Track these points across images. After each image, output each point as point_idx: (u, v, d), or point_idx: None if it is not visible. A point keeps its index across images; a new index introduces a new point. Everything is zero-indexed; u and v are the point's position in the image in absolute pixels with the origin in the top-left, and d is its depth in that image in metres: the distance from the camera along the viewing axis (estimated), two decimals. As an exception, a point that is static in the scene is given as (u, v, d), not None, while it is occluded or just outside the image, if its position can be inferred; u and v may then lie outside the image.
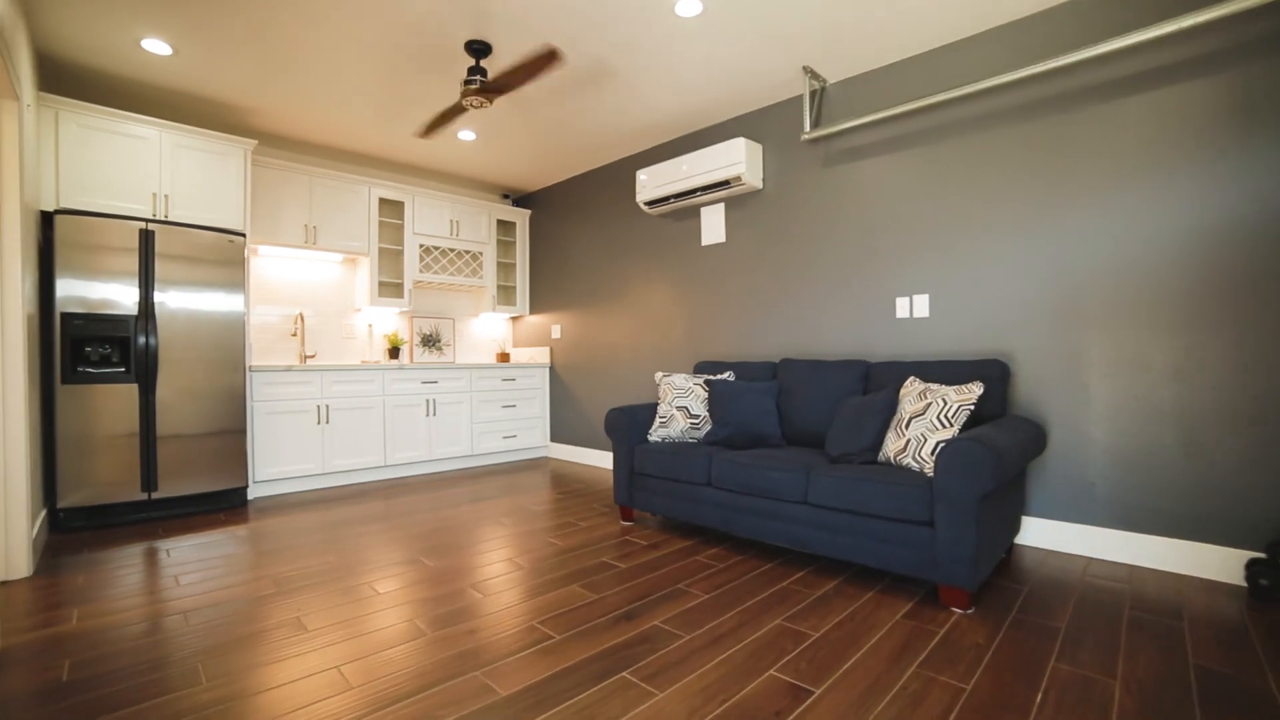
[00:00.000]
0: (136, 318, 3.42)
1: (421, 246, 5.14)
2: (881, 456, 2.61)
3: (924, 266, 3.20)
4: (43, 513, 3.17)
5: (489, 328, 6.02)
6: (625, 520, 3.43)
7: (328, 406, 4.30)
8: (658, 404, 3.56)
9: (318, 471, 4.26)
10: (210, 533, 3.21)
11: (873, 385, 3.06)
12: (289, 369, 4.11)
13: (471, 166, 5.23)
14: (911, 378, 2.75)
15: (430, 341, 5.55)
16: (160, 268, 3.50)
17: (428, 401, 4.83)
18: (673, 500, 3.12)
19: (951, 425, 2.37)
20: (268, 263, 4.62)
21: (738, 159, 3.84)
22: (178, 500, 3.58)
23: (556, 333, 5.64)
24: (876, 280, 3.39)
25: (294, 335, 4.54)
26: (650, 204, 4.42)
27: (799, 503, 2.59)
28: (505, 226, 5.84)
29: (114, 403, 3.36)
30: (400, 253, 5.07)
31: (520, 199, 6.15)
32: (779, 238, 3.89)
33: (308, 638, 1.99)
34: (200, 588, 2.44)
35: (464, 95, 3.18)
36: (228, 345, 3.72)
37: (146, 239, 3.46)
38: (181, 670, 1.78)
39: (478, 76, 3.21)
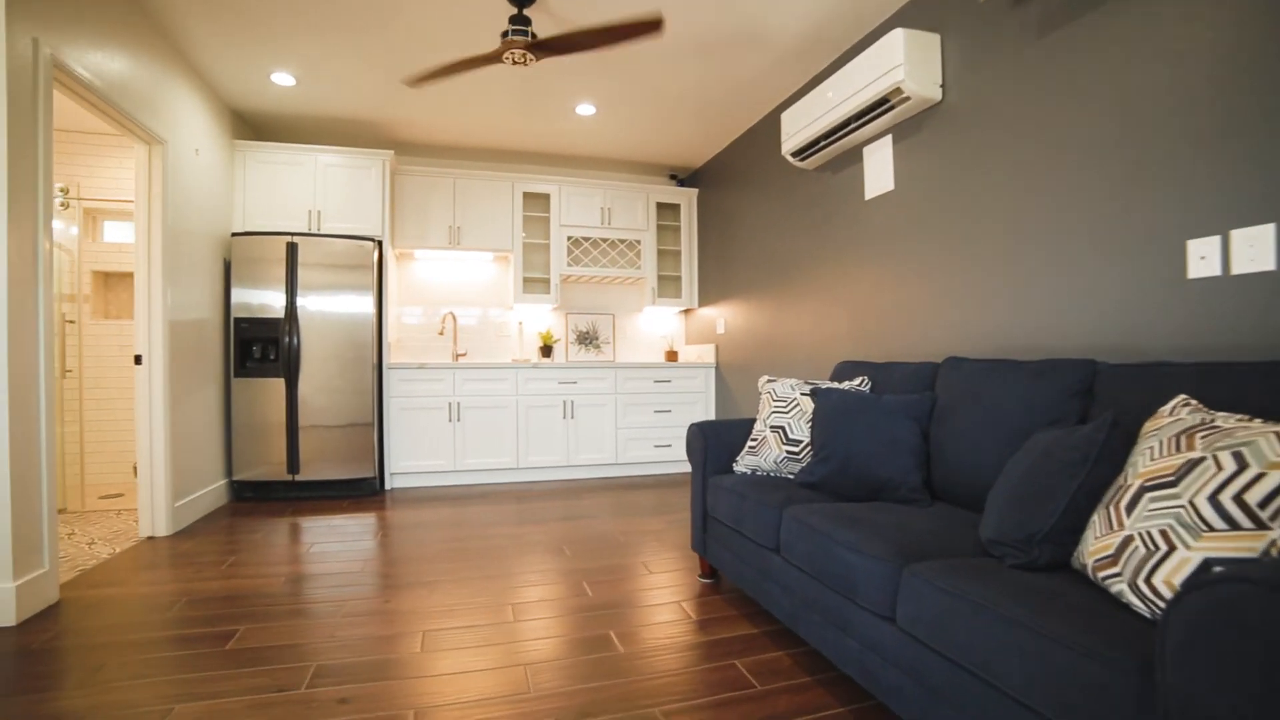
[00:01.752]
0: (283, 320, 3.78)
1: (570, 239, 4.86)
2: (1075, 560, 1.26)
3: (1266, 176, 1.58)
4: (222, 482, 3.68)
5: (654, 323, 5.49)
6: (704, 576, 2.52)
7: (459, 405, 4.28)
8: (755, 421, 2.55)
9: (449, 468, 4.26)
10: (338, 516, 3.33)
11: (1099, 406, 1.60)
12: (421, 367, 4.19)
13: (624, 147, 4.76)
14: (1180, 398, 1.30)
15: (587, 339, 5.26)
16: (302, 275, 3.81)
17: (565, 403, 4.51)
18: (740, 563, 2.13)
19: (1258, 522, 0.96)
20: (420, 265, 4.84)
21: (894, 60, 2.57)
22: (317, 484, 3.87)
23: (721, 327, 4.82)
24: (1144, 214, 1.84)
25: (441, 334, 4.67)
26: (799, 154, 3.33)
27: (882, 617, 1.41)
28: (667, 210, 5.22)
29: (269, 395, 3.76)
30: (547, 247, 4.87)
31: (688, 178, 5.47)
32: (965, 170, 2.48)
33: (409, 619, 1.69)
34: (301, 563, 2.42)
35: (505, 48, 2.68)
36: (359, 343, 3.90)
37: (292, 250, 3.81)
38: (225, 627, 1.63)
39: (526, 28, 2.68)
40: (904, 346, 2.81)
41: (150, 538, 3.00)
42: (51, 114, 2.29)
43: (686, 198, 5.20)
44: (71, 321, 3.66)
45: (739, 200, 4.46)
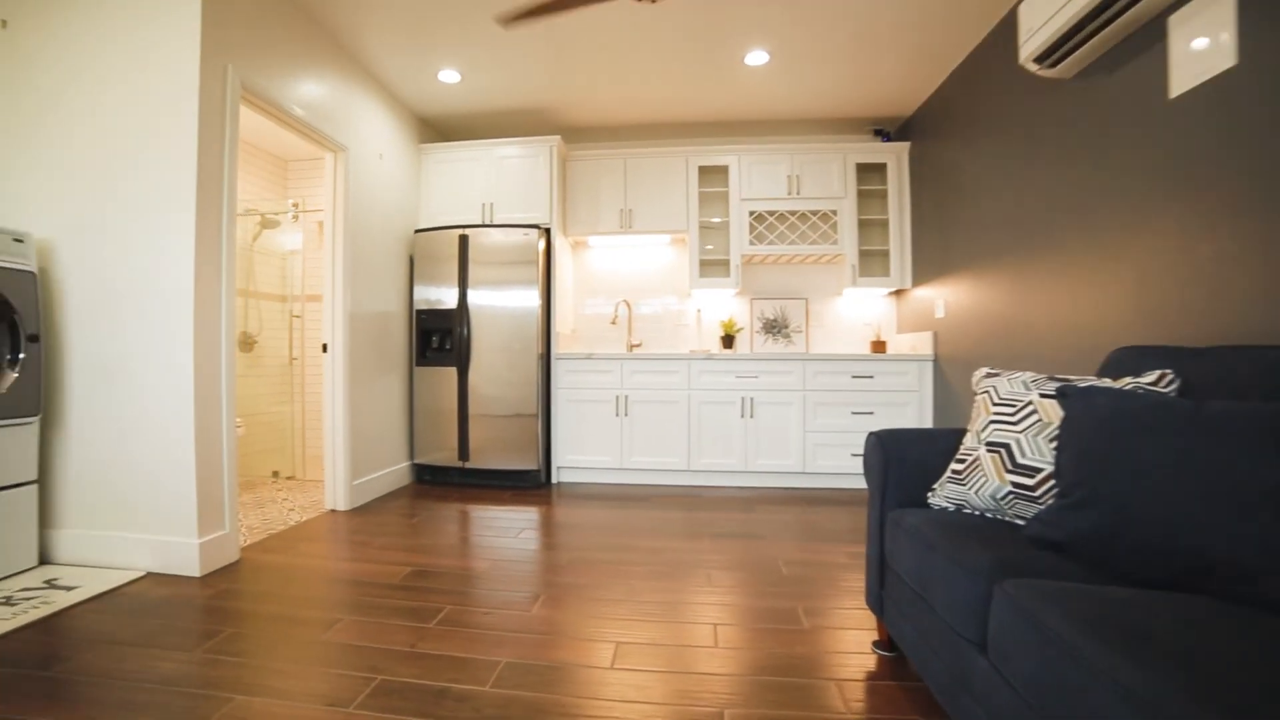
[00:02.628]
0: (456, 311, 3.90)
1: (752, 214, 4.29)
2: None
3: None
4: (405, 464, 3.94)
5: (857, 308, 4.62)
6: (881, 647, 1.81)
7: (627, 398, 4.02)
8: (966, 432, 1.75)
9: (615, 465, 4.03)
10: (502, 508, 3.33)
11: None
12: (588, 357, 4.01)
13: (809, 100, 4.05)
14: None
15: (774, 328, 4.62)
16: (472, 269, 3.89)
17: (743, 400, 3.97)
18: (925, 645, 1.41)
19: None
20: (594, 254, 4.69)
21: None
22: (485, 473, 3.93)
23: (940, 310, 3.82)
24: None
25: (614, 323, 4.45)
26: (1047, 56, 2.36)
27: None
28: (869, 173, 4.34)
29: (444, 383, 3.92)
30: (726, 225, 4.36)
31: (896, 131, 4.48)
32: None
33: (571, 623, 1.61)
34: (455, 555, 2.44)
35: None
36: (525, 334, 3.86)
37: (463, 244, 3.91)
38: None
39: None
40: (1244, 323, 1.71)
41: (332, 510, 3.25)
42: (237, 132, 2.50)
43: (894, 155, 4.24)
44: (298, 317, 4.24)
45: (963, 149, 3.43)
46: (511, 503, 3.52)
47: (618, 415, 4.03)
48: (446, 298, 3.92)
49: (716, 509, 3.42)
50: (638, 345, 4.63)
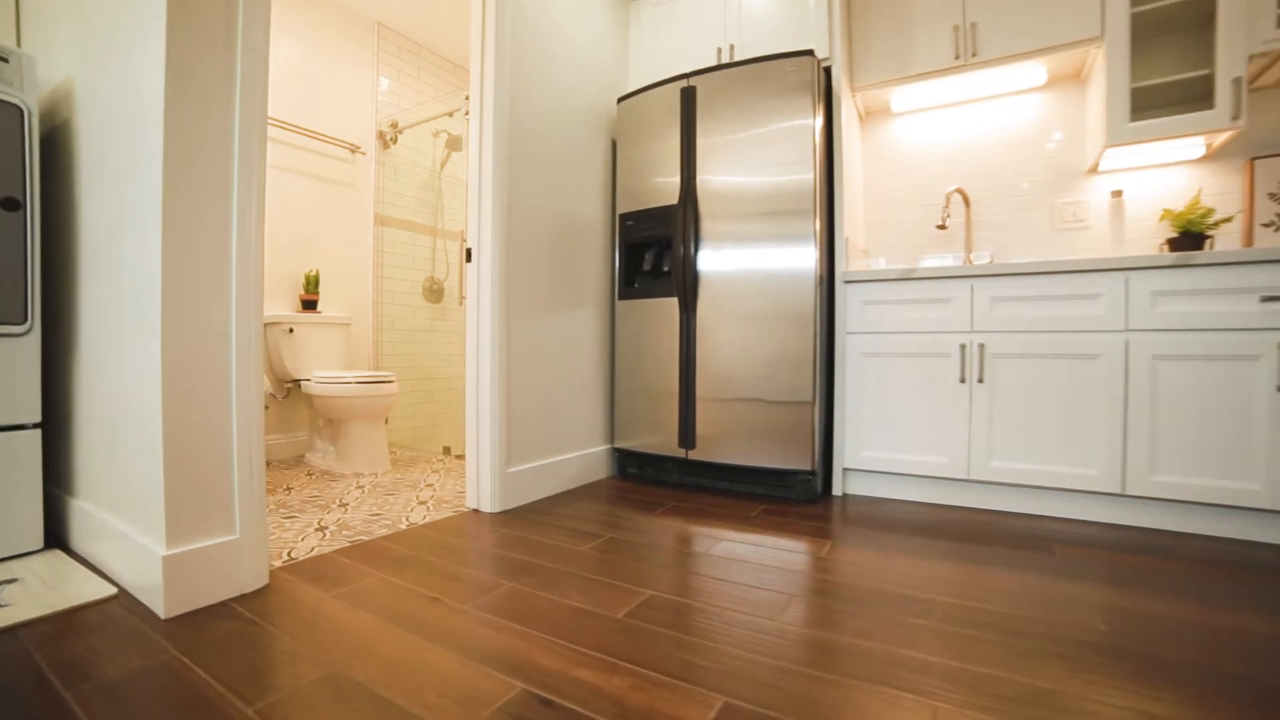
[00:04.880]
0: (677, 209, 2.43)
1: (1265, -33, 2.01)
2: None
3: None
4: (601, 448, 2.62)
5: None
6: None
7: (981, 349, 2.10)
8: None
9: (957, 472, 2.13)
10: (751, 536, 1.79)
11: None
12: (905, 278, 2.21)
13: None
14: None
15: (1307, 216, 2.21)
16: (702, 138, 2.39)
17: (1263, 354, 1.76)
18: None
19: None
20: (900, 125, 2.81)
21: None
22: (720, 470, 2.37)
23: None
24: None
25: (941, 228, 2.52)
26: None
27: None
28: None
29: (658, 324, 2.49)
30: (1196, 6, 2.15)
31: None
32: None
33: None
34: (670, 646, 1.09)
35: None
36: (788, 241, 2.22)
37: (688, 101, 2.43)
38: None
39: None
40: None
41: (474, 511, 2.03)
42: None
43: None
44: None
45: None
46: (767, 527, 1.91)
47: (965, 381, 2.13)
48: (662, 191, 2.50)
49: (1196, 579, 1.32)
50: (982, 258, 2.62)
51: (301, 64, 2.97)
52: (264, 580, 1.39)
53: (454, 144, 3.46)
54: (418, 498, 2.22)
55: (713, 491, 2.38)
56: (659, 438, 2.49)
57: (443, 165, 3.58)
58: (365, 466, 2.63)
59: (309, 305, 2.90)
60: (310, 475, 2.57)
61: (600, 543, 1.74)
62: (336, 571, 1.49)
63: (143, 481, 1.30)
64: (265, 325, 2.82)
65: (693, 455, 2.40)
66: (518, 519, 1.97)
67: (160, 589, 1.22)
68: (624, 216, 2.59)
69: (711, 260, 2.36)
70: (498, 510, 2.04)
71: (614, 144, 2.76)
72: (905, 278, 2.22)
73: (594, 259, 2.59)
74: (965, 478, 2.12)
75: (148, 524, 1.29)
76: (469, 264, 2.05)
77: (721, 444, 2.33)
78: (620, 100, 2.63)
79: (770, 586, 1.43)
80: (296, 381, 2.82)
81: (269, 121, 2.83)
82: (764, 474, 2.29)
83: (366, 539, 1.74)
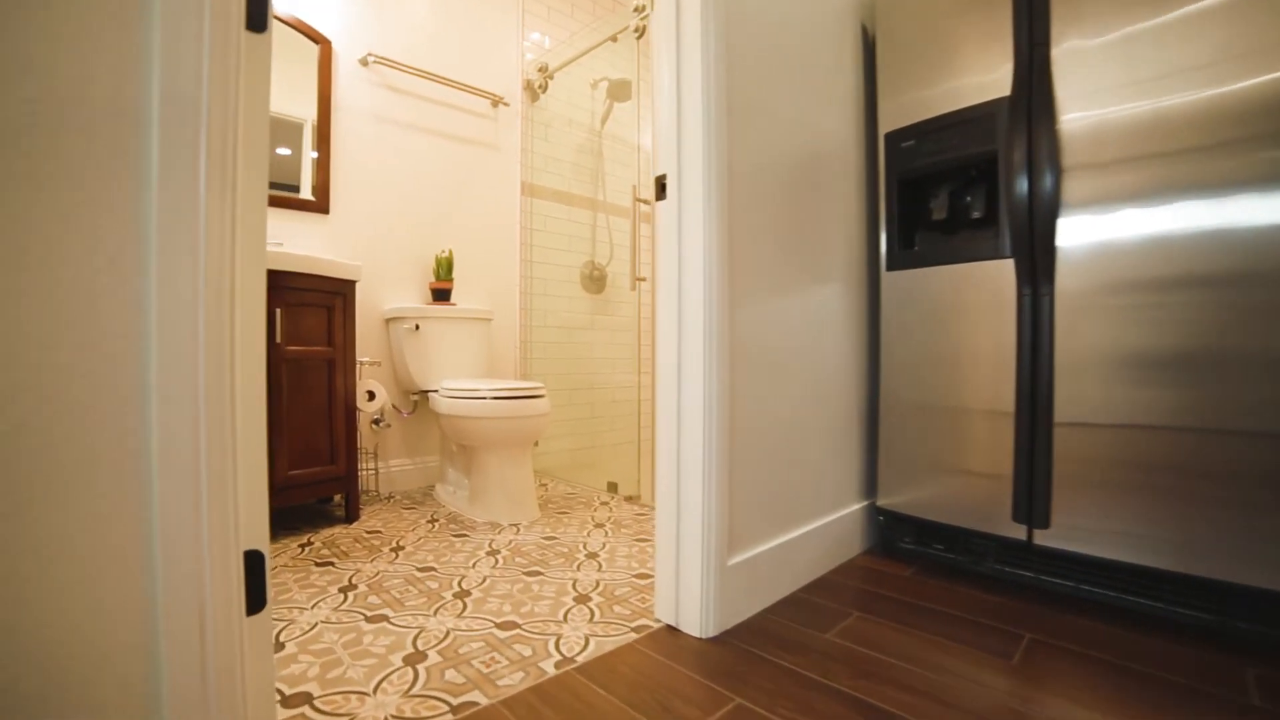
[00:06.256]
0: (1006, 106, 1.38)
1: None
2: None
3: None
4: (855, 507, 1.65)
5: None
6: None
7: None
8: None
9: None
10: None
11: None
12: None
13: None
14: None
15: None
16: (1066, -48, 1.32)
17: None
18: None
19: None
20: None
21: None
22: (1095, 566, 1.27)
23: None
24: None
25: None
26: None
27: None
28: None
29: (971, 312, 1.45)
30: None
31: None
32: None
33: None
34: None
35: None
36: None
37: (1034, -104, 1.37)
38: None
39: None
40: None
41: (669, 628, 1.15)
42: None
43: None
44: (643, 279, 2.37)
45: None
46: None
47: None
48: (968, 90, 1.45)
49: None
50: None
51: (436, -1, 2.38)
52: None
53: (618, 92, 2.69)
54: (575, 586, 1.40)
55: (1091, 608, 1.29)
56: (964, 497, 1.46)
57: (603, 121, 2.84)
58: (504, 514, 1.90)
59: (440, 295, 2.27)
60: (434, 523, 1.90)
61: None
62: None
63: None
64: (387, 321, 2.23)
65: (1045, 539, 1.33)
66: (747, 658, 1.07)
67: None
68: (895, 136, 1.60)
69: (1087, 196, 1.28)
70: (711, 635, 1.15)
71: (869, 37, 1.77)
72: None
73: (839, 207, 1.63)
74: None
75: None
76: (661, 204, 1.19)
77: (1122, 521, 1.24)
78: (882, -44, 1.64)
79: None
80: (424, 393, 2.19)
81: (382, 61, 2.24)
82: (1247, 598, 1.16)
83: (477, 700, 0.93)
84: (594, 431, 2.85)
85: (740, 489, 1.26)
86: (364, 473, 2.17)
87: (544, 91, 2.67)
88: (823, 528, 1.51)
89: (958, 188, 1.53)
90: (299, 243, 2.05)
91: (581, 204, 2.82)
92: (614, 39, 2.34)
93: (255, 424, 0.69)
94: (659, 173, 1.20)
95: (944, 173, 1.53)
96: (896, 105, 1.59)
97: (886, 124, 1.62)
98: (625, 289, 2.92)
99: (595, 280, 2.82)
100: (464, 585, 1.40)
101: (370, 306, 2.22)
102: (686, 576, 1.18)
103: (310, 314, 1.71)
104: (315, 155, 2.08)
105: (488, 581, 1.42)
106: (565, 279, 2.78)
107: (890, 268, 1.62)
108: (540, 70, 2.64)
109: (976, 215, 1.47)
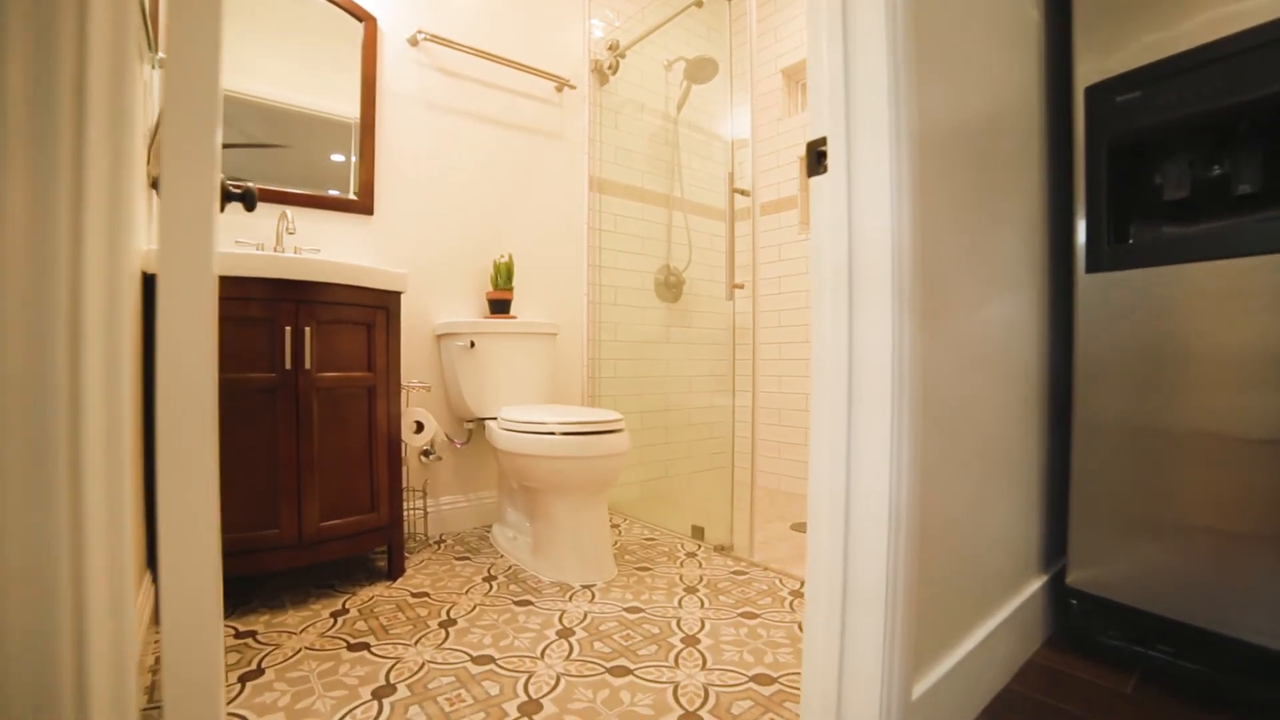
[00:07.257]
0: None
1: None
2: None
3: None
4: (1035, 587, 1.24)
5: None
6: None
7: None
8: None
9: None
10: None
11: None
12: None
13: None
14: None
15: None
16: None
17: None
18: None
19: None
20: None
21: None
22: None
23: None
24: None
25: None
26: None
27: None
28: None
29: (1197, 323, 1.03)
30: None
31: None
32: None
33: None
34: None
35: None
36: None
37: None
38: None
39: None
40: None
41: None
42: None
43: None
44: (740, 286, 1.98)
45: None
46: None
47: None
48: (1230, 17, 1.04)
49: None
50: None
51: (496, -30, 2.09)
52: None
53: (696, 72, 2.34)
54: (678, 695, 1.05)
55: None
56: (1202, 579, 1.03)
57: (679, 106, 2.49)
58: (575, 574, 1.57)
59: (499, 307, 1.97)
60: (490, 582, 1.58)
61: None
62: None
63: None
64: (439, 337, 1.94)
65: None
66: None
67: None
68: (1104, 88, 1.18)
69: None
70: (903, 820, 0.78)
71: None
72: None
73: (1024, 187, 1.22)
74: None
75: None
76: (819, 180, 0.83)
77: None
78: None
79: None
80: (481, 420, 1.89)
81: (433, 39, 1.96)
82: None
83: None
84: (669, 459, 2.50)
85: (926, 585, 0.88)
86: (410, 513, 1.88)
87: (614, 73, 2.34)
88: (1006, 622, 1.11)
89: (1199, 157, 1.11)
90: (338, 249, 1.78)
91: (655, 200, 2.48)
92: (699, 3, 1.99)
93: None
94: (815, 135, 0.83)
95: (1185, 134, 1.11)
96: (1106, 46, 1.18)
97: (1089, 74, 1.20)
98: (705, 296, 2.56)
99: (671, 288, 2.48)
100: (530, 690, 1.07)
101: (419, 320, 1.93)
102: (853, 713, 0.80)
103: (347, 333, 1.43)
104: (358, 148, 1.82)
105: (561, 685, 1.09)
106: (638, 286, 2.44)
107: (1092, 268, 1.20)
108: (610, 48, 2.32)
109: (1245, 190, 1.04)
